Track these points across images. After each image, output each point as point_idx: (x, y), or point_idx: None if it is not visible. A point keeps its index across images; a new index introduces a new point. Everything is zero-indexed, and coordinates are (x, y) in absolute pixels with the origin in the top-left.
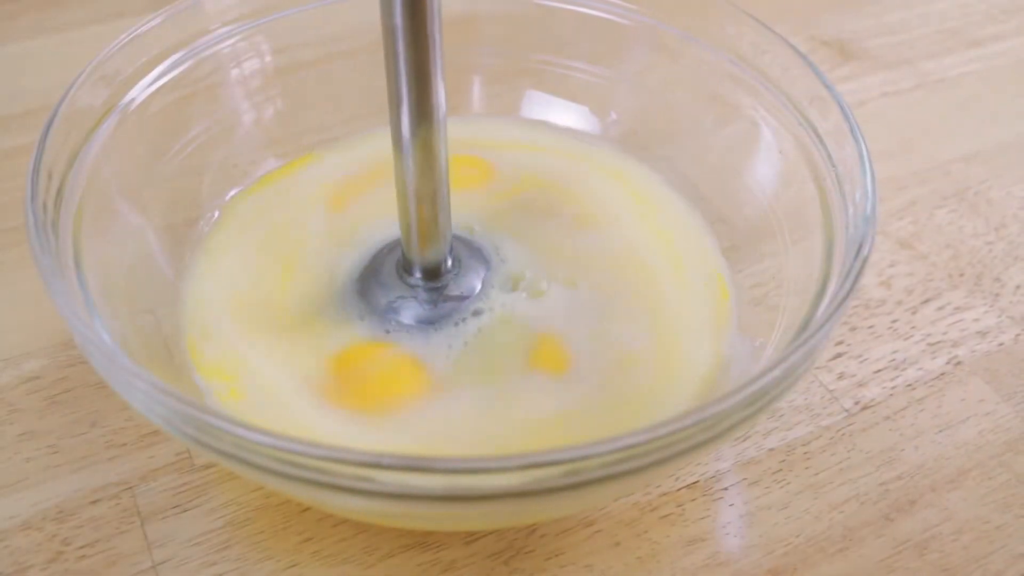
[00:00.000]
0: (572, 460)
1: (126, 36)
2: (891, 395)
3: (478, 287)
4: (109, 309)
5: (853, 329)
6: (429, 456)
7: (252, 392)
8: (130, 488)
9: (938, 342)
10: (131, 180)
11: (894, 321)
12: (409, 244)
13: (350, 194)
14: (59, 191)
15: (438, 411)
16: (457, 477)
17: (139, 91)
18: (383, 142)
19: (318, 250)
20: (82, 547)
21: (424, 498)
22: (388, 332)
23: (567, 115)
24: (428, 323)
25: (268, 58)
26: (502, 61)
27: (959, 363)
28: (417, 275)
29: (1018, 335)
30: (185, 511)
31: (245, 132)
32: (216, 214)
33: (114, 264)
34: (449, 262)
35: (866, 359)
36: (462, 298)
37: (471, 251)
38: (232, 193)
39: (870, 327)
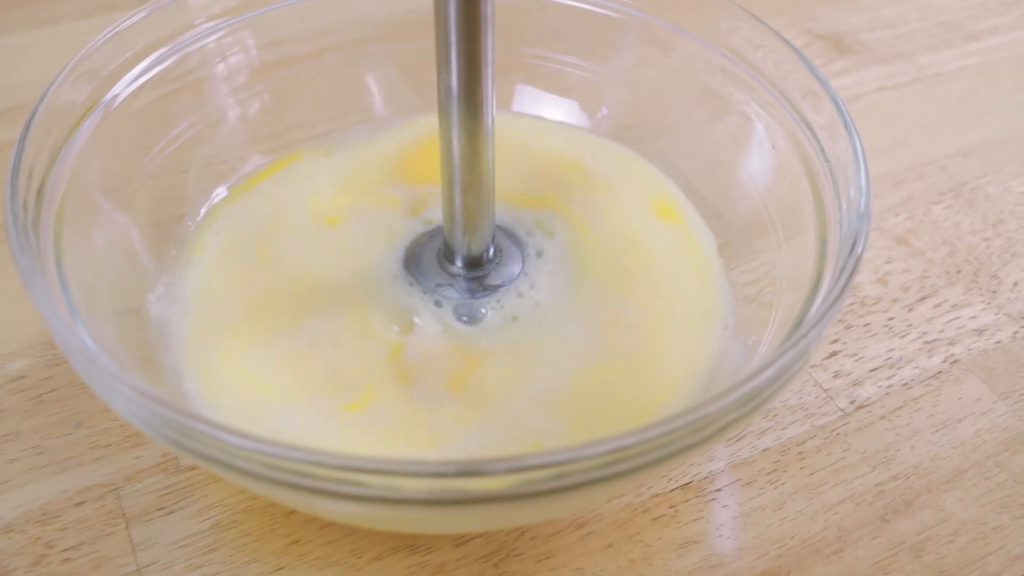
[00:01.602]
0: (561, 463)
1: (109, 31)
2: (887, 394)
3: (517, 273)
4: (91, 310)
5: (848, 327)
6: (415, 460)
7: (239, 393)
8: (115, 490)
9: (934, 340)
10: (115, 178)
11: (890, 319)
12: (453, 233)
13: (340, 196)
14: (40, 189)
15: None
16: (444, 481)
17: (123, 87)
18: (374, 138)
19: (307, 251)
20: (66, 550)
21: (411, 502)
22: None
23: (558, 110)
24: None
25: (254, 53)
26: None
27: (956, 361)
28: (459, 264)
29: (1015, 333)
30: (171, 513)
31: (231, 128)
32: (202, 211)
33: (97, 263)
34: (491, 251)
35: (861, 357)
36: (500, 287)
37: (512, 240)
38: (218, 190)
39: (865, 325)
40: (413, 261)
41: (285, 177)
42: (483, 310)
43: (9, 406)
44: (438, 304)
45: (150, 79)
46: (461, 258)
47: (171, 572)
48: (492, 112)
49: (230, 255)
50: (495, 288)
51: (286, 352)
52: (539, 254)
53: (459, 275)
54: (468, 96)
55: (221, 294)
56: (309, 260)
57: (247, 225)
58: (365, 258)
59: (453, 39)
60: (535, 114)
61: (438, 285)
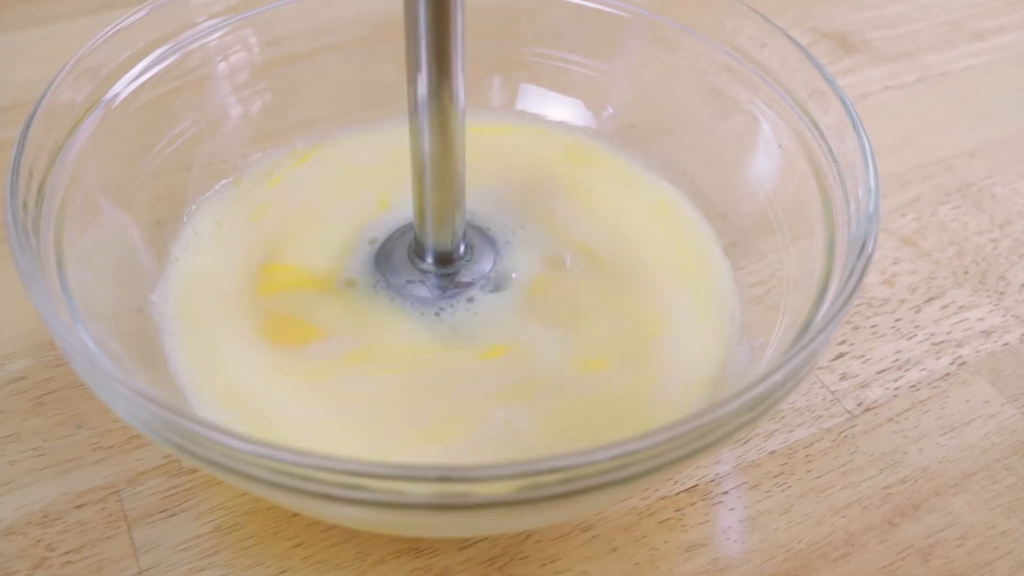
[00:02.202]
0: (568, 468)
1: (110, 29)
2: (894, 396)
3: (488, 271)
4: (91, 310)
5: (856, 328)
6: (420, 464)
7: (241, 394)
8: (116, 492)
9: (942, 342)
10: (115, 177)
11: (897, 320)
12: (423, 229)
13: (338, 191)
14: (40, 189)
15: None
16: (449, 485)
17: (123, 85)
18: (374, 136)
19: (310, 246)
20: (67, 552)
21: (415, 506)
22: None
23: (563, 109)
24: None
25: (256, 51)
26: (497, 54)
27: (963, 363)
28: (429, 260)
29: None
30: (173, 516)
31: (232, 127)
32: (204, 210)
33: (98, 263)
34: (462, 248)
35: (869, 359)
36: (471, 284)
37: (484, 238)
38: (220, 189)
39: (873, 326)
40: (384, 257)
41: (291, 174)
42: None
43: (10, 407)
44: (437, 315)
45: (151, 77)
46: (431, 254)
47: (173, 575)
48: (462, 106)
49: (232, 255)
50: (466, 285)
51: (292, 357)
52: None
53: (429, 271)
54: (438, 90)
55: (223, 295)
56: (309, 260)
57: (250, 224)
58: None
59: (422, 31)
60: (539, 113)
61: (408, 282)
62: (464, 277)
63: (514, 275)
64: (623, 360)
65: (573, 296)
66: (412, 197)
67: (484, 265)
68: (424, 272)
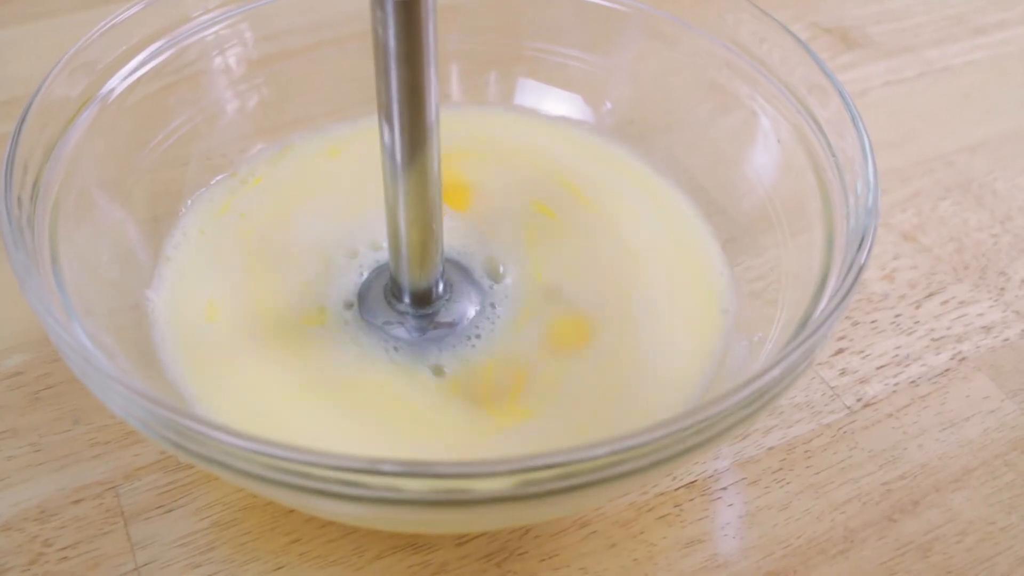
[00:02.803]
0: (566, 464)
1: (105, 24)
2: (894, 392)
3: (471, 314)
4: (87, 306)
5: (855, 324)
6: (415, 460)
7: (238, 391)
8: (113, 488)
9: (942, 337)
10: (111, 172)
11: (897, 316)
12: (399, 269)
13: (333, 189)
14: (35, 185)
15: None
16: (447, 482)
17: (119, 80)
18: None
19: (304, 245)
20: (64, 548)
21: (412, 503)
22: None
23: (561, 104)
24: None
25: (252, 46)
26: (495, 49)
27: (963, 359)
28: (406, 300)
29: None
30: (169, 511)
31: (229, 122)
32: (201, 206)
33: (93, 259)
34: (440, 287)
35: (868, 355)
36: (452, 324)
37: (464, 275)
38: (217, 185)
39: (872, 322)
40: (362, 296)
41: (284, 173)
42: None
43: (6, 402)
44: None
45: (147, 72)
46: (408, 294)
47: (170, 571)
48: (438, 140)
49: (228, 251)
50: (447, 326)
51: (285, 351)
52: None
53: (407, 312)
54: (411, 126)
55: (219, 291)
56: (303, 257)
57: (246, 221)
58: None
59: (392, 65)
60: (537, 108)
61: (386, 323)
62: (444, 317)
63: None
64: (612, 355)
65: (562, 295)
66: (388, 236)
67: (465, 304)
68: (402, 313)
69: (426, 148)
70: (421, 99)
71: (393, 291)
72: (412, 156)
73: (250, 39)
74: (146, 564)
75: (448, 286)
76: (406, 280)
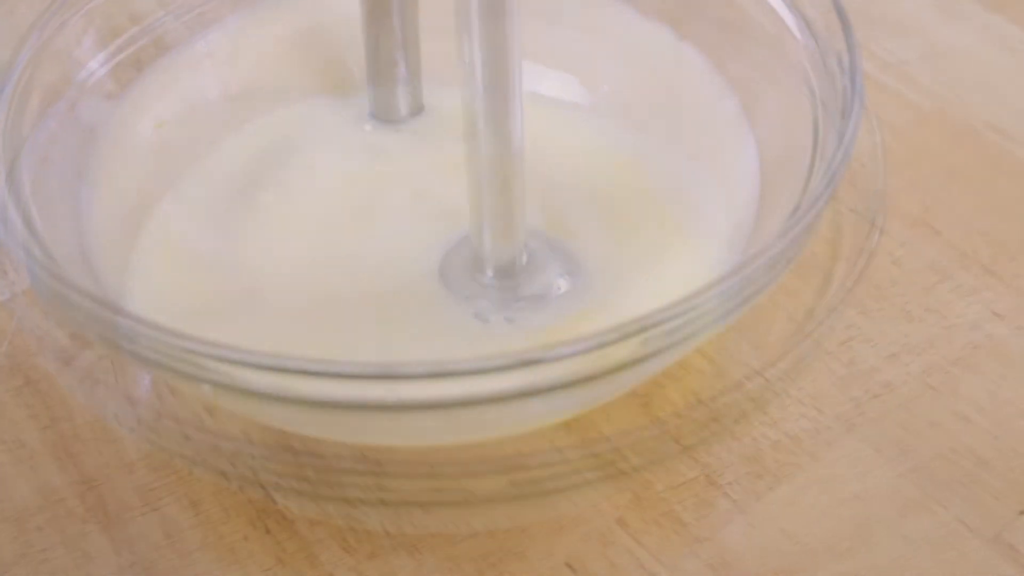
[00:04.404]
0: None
1: (82, 8)
2: (904, 382)
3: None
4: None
5: (863, 312)
6: (341, 360)
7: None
8: (95, 487)
9: (953, 325)
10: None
11: (907, 303)
12: (481, 239)
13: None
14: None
15: None
16: (473, 379)
17: (98, 64)
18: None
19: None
20: (44, 549)
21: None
22: None
23: (557, 86)
24: None
25: (233, 29)
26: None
27: (976, 347)
28: (490, 274)
29: None
30: (154, 510)
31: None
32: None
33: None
34: (524, 257)
35: (877, 344)
36: (538, 297)
37: (543, 241)
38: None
39: (881, 310)
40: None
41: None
42: None
43: None
44: None
45: (125, 58)
46: (492, 267)
47: (153, 572)
48: (521, 101)
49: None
50: (535, 298)
51: None
52: None
53: (491, 286)
54: (496, 85)
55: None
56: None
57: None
58: None
59: (476, 23)
60: (533, 90)
61: (467, 297)
62: (526, 290)
63: None
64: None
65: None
66: (469, 206)
67: (549, 273)
68: (485, 286)
69: (509, 108)
70: (505, 57)
71: (475, 264)
72: (495, 118)
73: (231, 23)
74: (130, 565)
75: (531, 256)
76: (488, 251)
